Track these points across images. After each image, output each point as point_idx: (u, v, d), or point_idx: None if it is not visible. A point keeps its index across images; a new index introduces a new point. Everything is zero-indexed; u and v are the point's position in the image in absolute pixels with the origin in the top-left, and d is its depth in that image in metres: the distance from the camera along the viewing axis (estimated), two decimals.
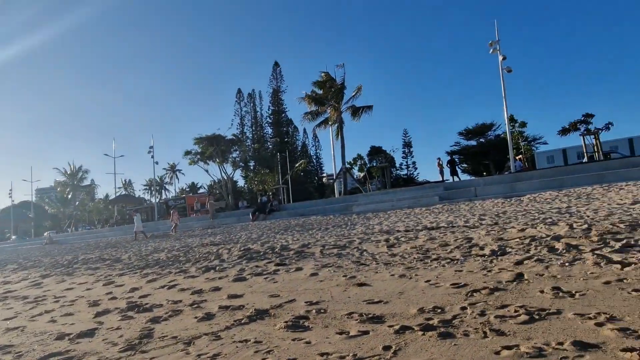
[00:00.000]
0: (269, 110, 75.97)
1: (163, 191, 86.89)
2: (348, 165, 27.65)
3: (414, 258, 5.13)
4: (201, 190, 78.67)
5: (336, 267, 5.25)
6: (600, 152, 19.49)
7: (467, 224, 7.79)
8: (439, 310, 3.25)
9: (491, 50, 20.21)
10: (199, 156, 41.81)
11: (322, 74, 27.77)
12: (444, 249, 5.43)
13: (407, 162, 79.26)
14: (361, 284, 4.30)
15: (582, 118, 23.06)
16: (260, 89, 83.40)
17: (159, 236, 21.12)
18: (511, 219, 7.95)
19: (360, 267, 5.06)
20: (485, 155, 67.73)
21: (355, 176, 36.29)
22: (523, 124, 24.06)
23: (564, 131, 25.74)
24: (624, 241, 4.32)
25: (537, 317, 2.87)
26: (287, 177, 29.63)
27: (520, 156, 21.81)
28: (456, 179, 22.04)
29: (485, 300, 3.33)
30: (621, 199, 8.92)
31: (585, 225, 5.27)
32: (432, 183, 22.67)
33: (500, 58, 19.73)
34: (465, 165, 69.68)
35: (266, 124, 76.33)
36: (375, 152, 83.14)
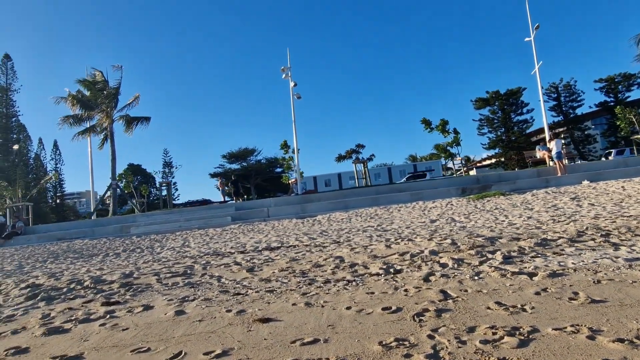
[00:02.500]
0: None
1: None
2: (114, 182, 24.17)
3: (298, 282, 4.40)
4: None
5: (204, 300, 4.07)
6: (368, 178, 22.60)
7: (305, 243, 7.44)
8: (407, 343, 2.68)
9: (283, 75, 21.10)
10: None
11: (94, 72, 23.76)
12: (321, 269, 4.86)
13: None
14: (265, 320, 3.34)
15: (355, 147, 26.33)
16: None
17: None
18: (343, 236, 7.98)
19: (240, 298, 4.04)
20: (247, 179, 70.97)
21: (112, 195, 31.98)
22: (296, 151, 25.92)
23: (339, 158, 28.95)
24: (496, 253, 4.61)
25: (522, 337, 2.61)
26: (33, 194, 23.95)
27: (294, 180, 23.22)
28: (239, 200, 21.88)
29: (444, 325, 2.92)
30: (418, 218, 10.09)
31: (450, 240, 5.54)
32: (216, 203, 21.85)
33: (292, 84, 20.76)
34: (226, 187, 71.20)
35: None
36: (134, 170, 77.02)
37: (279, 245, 7.56)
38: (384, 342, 2.71)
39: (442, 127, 24.42)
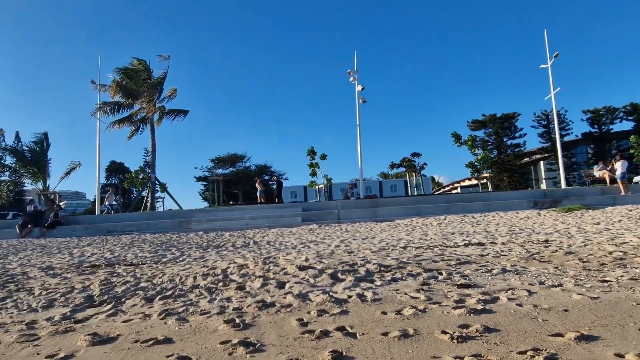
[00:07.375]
0: None
1: None
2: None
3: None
4: None
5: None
6: (422, 187, 22.87)
7: (516, 242, 7.42)
8: None
9: (351, 78, 21.03)
10: None
11: (134, 61, 22.32)
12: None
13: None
14: None
15: (410, 156, 26.53)
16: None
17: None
18: (536, 235, 7.99)
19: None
20: (235, 184, 69.98)
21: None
22: (324, 156, 25.81)
23: (393, 165, 29.21)
24: None
25: None
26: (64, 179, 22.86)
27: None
28: (282, 201, 21.51)
29: None
30: (535, 227, 10.21)
31: None
32: (258, 204, 21.44)
33: (359, 88, 20.68)
34: (209, 192, 69.77)
35: None
36: (116, 168, 74.72)
37: (477, 243, 7.52)
38: None
39: (472, 142, 25.05)
